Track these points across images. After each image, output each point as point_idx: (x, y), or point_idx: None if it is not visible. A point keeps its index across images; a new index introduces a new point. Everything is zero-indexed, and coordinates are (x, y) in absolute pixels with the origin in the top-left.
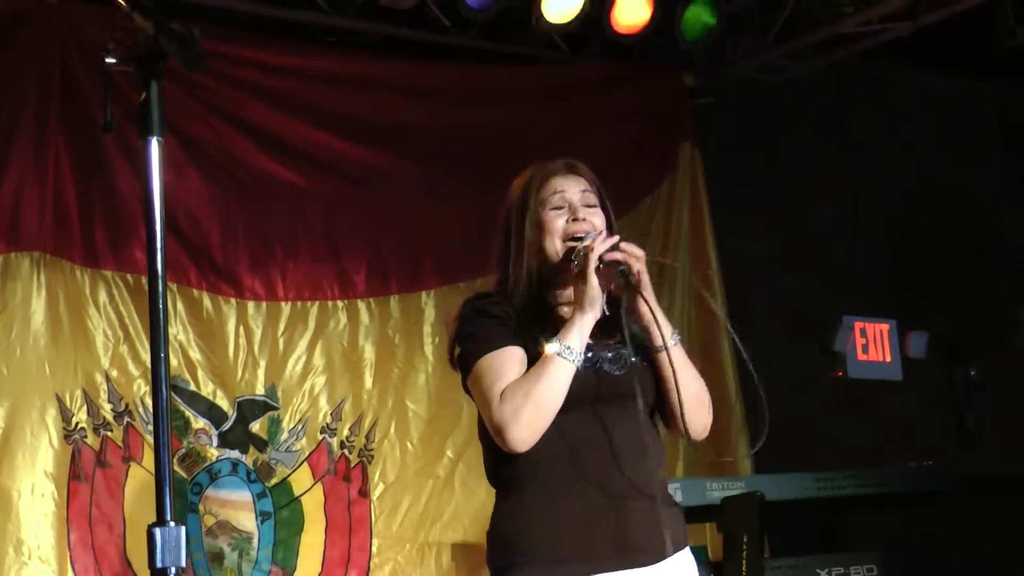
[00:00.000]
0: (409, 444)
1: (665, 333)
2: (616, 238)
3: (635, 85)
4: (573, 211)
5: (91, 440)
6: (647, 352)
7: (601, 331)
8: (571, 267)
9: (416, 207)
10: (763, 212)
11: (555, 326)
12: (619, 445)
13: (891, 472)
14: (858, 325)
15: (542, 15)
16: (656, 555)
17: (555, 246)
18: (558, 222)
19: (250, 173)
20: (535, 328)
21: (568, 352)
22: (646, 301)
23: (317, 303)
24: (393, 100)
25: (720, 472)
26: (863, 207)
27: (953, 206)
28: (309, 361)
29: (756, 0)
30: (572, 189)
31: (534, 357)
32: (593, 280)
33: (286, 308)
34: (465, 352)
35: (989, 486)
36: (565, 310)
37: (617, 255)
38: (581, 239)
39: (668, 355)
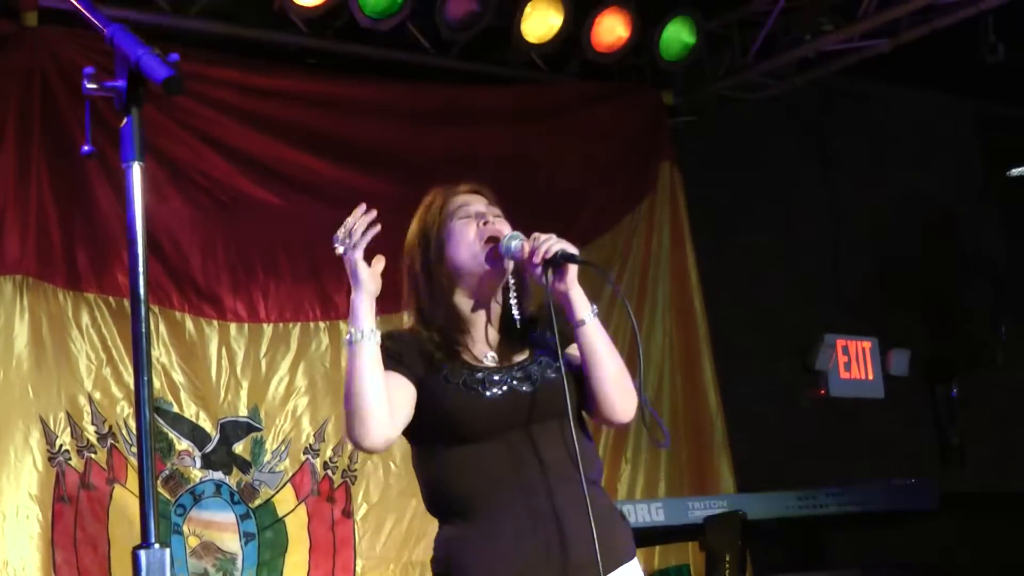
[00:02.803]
0: (392, 464)
1: (585, 309)
2: (534, 234)
3: (614, 104)
4: (482, 217)
5: (75, 462)
6: (557, 359)
7: (509, 351)
8: (503, 265)
9: (395, 228)
10: (744, 230)
11: (469, 345)
12: (544, 464)
13: (873, 490)
14: (840, 343)
15: (521, 35)
16: (596, 571)
17: (472, 250)
18: (468, 229)
19: (230, 195)
20: (445, 350)
21: (356, 336)
22: (585, 264)
23: (299, 324)
24: (373, 121)
25: (702, 491)
26: (845, 224)
27: (935, 223)
28: (291, 382)
29: (735, 18)
30: (478, 204)
31: (445, 381)
32: (355, 259)
33: (268, 329)
34: None
35: (971, 503)
36: (475, 331)
37: (557, 246)
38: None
39: (587, 331)
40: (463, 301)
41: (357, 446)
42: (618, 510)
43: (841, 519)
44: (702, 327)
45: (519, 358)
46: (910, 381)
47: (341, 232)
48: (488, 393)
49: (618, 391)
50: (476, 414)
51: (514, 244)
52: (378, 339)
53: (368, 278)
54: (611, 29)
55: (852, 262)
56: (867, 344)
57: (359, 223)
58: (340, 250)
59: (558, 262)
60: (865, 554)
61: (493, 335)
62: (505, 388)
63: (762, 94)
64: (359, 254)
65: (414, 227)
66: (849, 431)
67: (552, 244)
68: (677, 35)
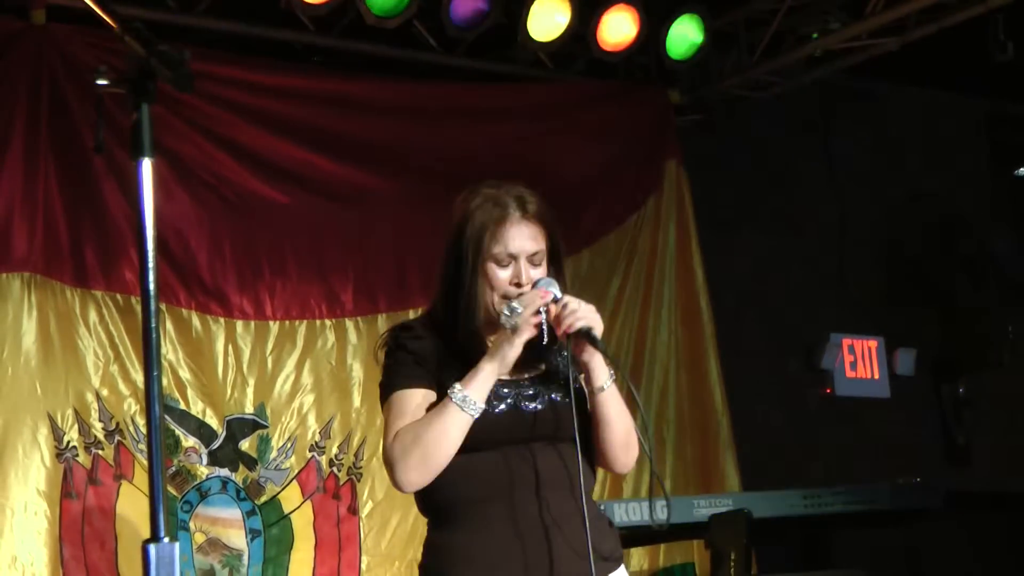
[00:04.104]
0: None
1: (603, 376)
2: (565, 299)
3: (621, 103)
4: (517, 275)
5: (82, 458)
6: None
7: (524, 364)
8: (505, 325)
9: (402, 226)
10: (750, 229)
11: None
12: (539, 479)
13: (879, 489)
14: (846, 342)
15: (528, 33)
16: None
17: (493, 299)
18: (501, 277)
19: (237, 192)
20: (459, 360)
21: (466, 403)
22: (601, 352)
23: (305, 322)
24: (379, 119)
25: (708, 489)
26: (851, 224)
27: (942, 222)
28: (298, 380)
29: (742, 17)
30: (523, 242)
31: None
32: (518, 345)
33: (274, 327)
34: (382, 384)
35: (977, 503)
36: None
37: (581, 322)
38: (516, 300)
39: (603, 397)
40: (484, 323)
41: (400, 488)
42: (606, 517)
43: (846, 518)
44: (708, 326)
45: (531, 373)
46: (916, 380)
47: (517, 306)
48: (493, 408)
49: (622, 451)
50: (479, 426)
51: (513, 320)
52: (480, 412)
53: (512, 360)
54: (618, 27)
55: (858, 261)
56: (873, 343)
57: (537, 302)
58: (508, 324)
59: (580, 337)
60: (870, 554)
61: None
62: (511, 403)
63: (769, 93)
64: (524, 338)
65: (461, 229)
66: (855, 430)
67: (577, 320)
68: (684, 33)
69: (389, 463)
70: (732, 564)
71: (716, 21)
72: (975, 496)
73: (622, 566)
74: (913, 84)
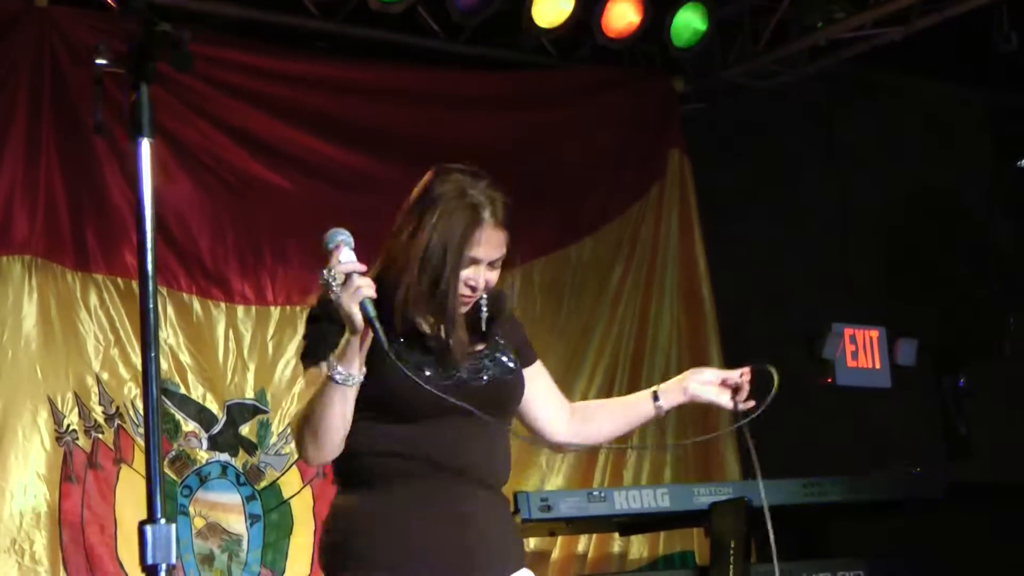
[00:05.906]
0: None
1: None
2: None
3: (625, 91)
4: (475, 278)
5: (82, 442)
6: (515, 364)
7: (469, 341)
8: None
9: None
10: (753, 218)
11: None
12: (471, 458)
13: (879, 479)
14: (848, 332)
15: (532, 20)
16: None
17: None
18: (464, 273)
19: (239, 177)
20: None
21: (338, 374)
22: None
23: (306, 307)
24: (382, 105)
25: (708, 478)
26: (853, 214)
27: (944, 213)
28: (298, 365)
29: (747, 5)
30: (491, 250)
31: (398, 357)
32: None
33: (275, 312)
34: (302, 352)
35: (977, 494)
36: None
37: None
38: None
39: None
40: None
41: (307, 463)
42: (514, 522)
43: (847, 508)
44: (710, 315)
45: (475, 347)
46: (917, 371)
47: (335, 276)
48: (442, 378)
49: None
50: (420, 396)
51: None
52: (361, 380)
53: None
54: (622, 15)
55: (860, 250)
56: (874, 333)
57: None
58: (337, 296)
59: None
60: (870, 543)
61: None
62: (452, 378)
63: (773, 82)
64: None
65: (438, 221)
66: (856, 420)
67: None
68: (688, 21)
69: (295, 441)
70: (732, 552)
71: (721, 9)
72: (975, 487)
73: (525, 570)
74: (916, 74)
